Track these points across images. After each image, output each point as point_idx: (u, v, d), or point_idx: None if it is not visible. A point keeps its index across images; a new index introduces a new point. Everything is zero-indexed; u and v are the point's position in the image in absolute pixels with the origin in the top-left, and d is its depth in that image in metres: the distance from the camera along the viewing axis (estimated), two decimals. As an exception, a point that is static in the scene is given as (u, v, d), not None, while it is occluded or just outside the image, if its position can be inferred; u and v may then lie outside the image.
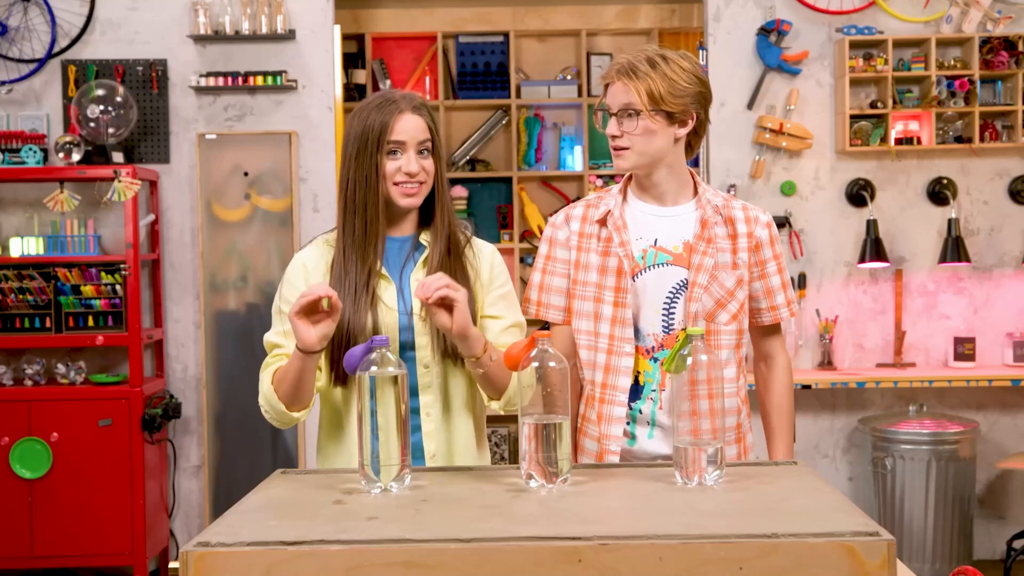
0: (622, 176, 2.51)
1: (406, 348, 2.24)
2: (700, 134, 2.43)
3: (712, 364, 1.85)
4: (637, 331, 2.40)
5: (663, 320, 2.39)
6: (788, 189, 5.01)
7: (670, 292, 2.38)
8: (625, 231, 2.40)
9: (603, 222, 2.43)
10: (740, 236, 2.42)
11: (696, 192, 2.44)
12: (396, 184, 2.22)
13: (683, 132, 2.37)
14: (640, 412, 2.40)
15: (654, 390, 2.40)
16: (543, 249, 2.51)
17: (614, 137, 2.37)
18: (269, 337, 2.27)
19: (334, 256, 2.26)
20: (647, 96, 2.31)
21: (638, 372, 2.41)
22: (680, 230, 2.40)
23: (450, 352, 2.23)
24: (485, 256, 2.34)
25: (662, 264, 2.38)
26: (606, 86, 2.40)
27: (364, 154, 2.21)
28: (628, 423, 2.41)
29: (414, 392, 2.24)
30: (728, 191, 4.90)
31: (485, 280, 2.32)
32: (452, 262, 2.26)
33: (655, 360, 2.40)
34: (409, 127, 2.21)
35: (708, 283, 2.37)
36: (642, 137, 2.34)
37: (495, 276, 2.32)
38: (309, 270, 2.27)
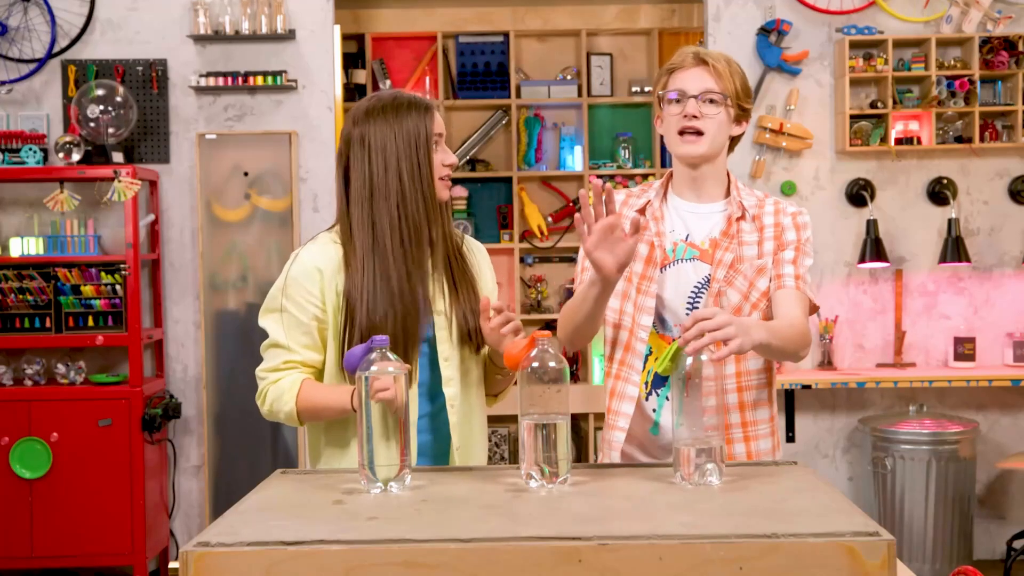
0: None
1: (426, 345, 2.25)
2: (737, 141, 2.47)
3: (710, 363, 1.86)
4: (664, 321, 2.39)
5: (688, 314, 2.38)
6: (788, 189, 5.01)
7: (695, 287, 2.38)
8: (662, 222, 2.41)
9: (642, 211, 2.43)
10: (767, 227, 2.42)
11: (729, 192, 2.46)
12: (440, 178, 2.25)
13: (738, 132, 2.41)
14: (667, 399, 2.37)
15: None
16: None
17: (693, 118, 2.33)
18: (277, 338, 2.23)
19: (374, 260, 2.21)
20: (727, 86, 2.33)
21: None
22: (709, 226, 2.41)
23: (466, 338, 2.26)
24: (486, 261, 2.43)
25: (690, 259, 2.39)
26: (670, 73, 2.37)
27: (415, 151, 2.21)
28: (654, 411, 2.39)
29: (438, 388, 2.26)
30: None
31: (489, 285, 2.40)
32: (460, 257, 2.32)
33: None
34: (440, 122, 2.27)
35: (731, 277, 2.36)
36: (717, 124, 2.34)
37: (494, 287, 2.41)
38: (323, 273, 2.23)
